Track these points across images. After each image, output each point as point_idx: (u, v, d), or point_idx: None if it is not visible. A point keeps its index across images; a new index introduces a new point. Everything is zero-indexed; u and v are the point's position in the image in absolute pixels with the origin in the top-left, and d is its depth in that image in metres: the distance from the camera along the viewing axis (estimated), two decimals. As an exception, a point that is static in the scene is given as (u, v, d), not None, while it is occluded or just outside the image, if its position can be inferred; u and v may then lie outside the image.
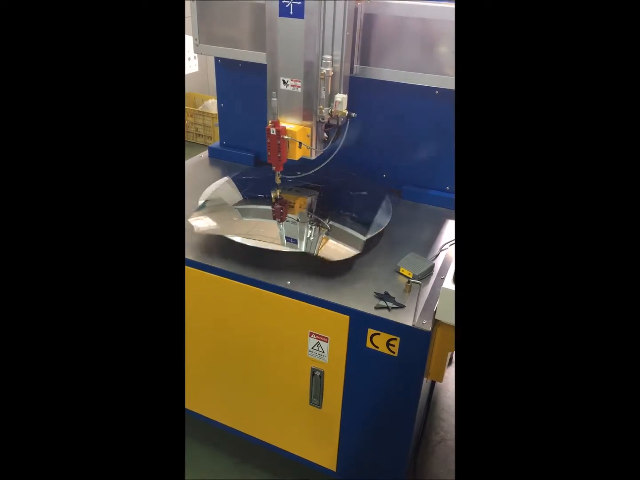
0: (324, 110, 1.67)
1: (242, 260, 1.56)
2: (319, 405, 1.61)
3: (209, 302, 1.64)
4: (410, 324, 1.33)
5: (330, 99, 1.69)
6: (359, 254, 1.53)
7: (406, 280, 1.49)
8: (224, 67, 2.12)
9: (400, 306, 1.38)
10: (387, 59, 1.74)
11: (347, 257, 1.50)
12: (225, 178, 1.99)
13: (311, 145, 1.72)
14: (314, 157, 1.77)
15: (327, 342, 1.47)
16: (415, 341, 1.34)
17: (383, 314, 1.36)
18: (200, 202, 1.78)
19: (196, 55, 4.10)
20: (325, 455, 1.75)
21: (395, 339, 1.36)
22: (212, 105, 4.88)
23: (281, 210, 1.78)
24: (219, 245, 1.62)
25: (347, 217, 1.74)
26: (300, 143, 1.66)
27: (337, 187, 1.95)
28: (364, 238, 1.58)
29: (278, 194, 1.81)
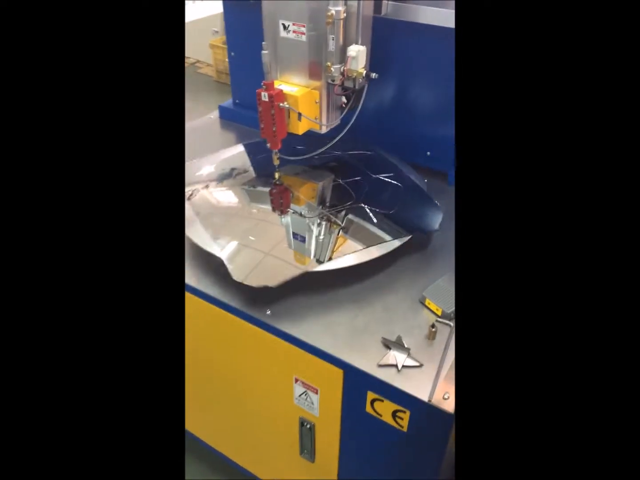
0: (332, 69, 1.21)
1: (220, 274, 1.19)
2: (312, 459, 1.27)
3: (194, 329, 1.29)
4: (425, 398, 0.92)
5: (344, 52, 1.22)
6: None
7: (433, 317, 1.06)
8: (232, 6, 1.68)
9: (416, 365, 0.97)
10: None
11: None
12: (237, 146, 1.61)
13: (320, 115, 1.28)
14: (324, 130, 1.33)
15: (316, 393, 1.10)
16: (433, 420, 0.93)
17: (389, 375, 0.96)
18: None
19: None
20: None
21: (404, 412, 0.96)
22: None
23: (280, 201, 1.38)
24: (194, 253, 1.25)
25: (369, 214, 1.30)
26: (299, 114, 1.23)
27: (359, 169, 1.49)
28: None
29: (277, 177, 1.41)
